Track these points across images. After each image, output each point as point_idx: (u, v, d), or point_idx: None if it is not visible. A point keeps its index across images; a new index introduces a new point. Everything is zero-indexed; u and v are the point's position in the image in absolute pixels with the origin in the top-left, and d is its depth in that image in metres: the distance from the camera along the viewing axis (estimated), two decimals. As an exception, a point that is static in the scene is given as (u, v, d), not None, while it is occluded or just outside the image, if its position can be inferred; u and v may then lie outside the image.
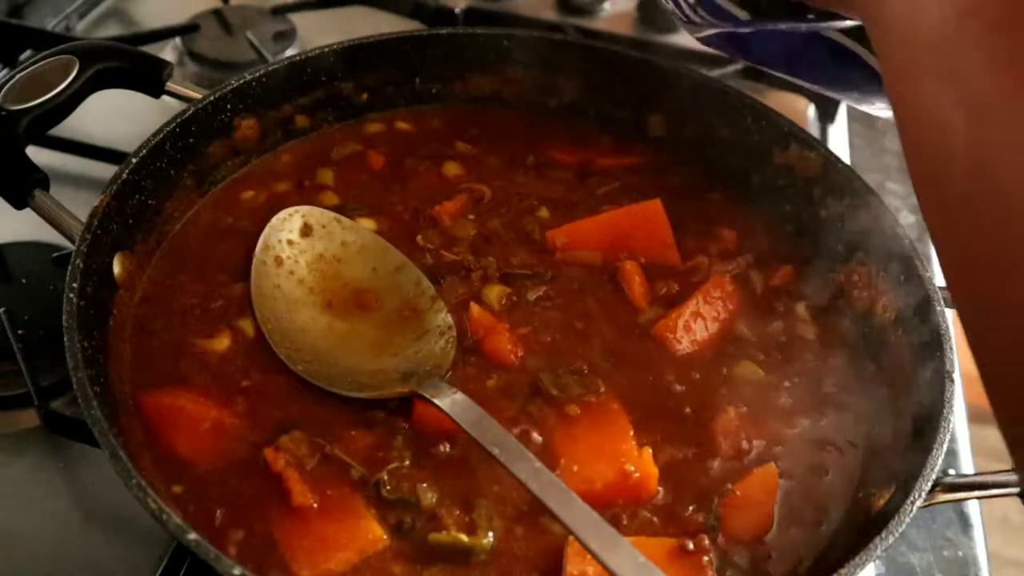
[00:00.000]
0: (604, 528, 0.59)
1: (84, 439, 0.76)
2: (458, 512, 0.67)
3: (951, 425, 0.68)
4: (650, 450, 0.70)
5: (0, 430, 0.80)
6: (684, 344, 0.78)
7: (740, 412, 0.75)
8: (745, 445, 0.73)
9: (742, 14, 0.71)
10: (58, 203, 0.75)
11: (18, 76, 0.78)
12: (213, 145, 0.86)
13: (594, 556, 0.58)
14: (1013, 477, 0.69)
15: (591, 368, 0.76)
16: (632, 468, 0.69)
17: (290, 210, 0.83)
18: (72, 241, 0.72)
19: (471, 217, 0.87)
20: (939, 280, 0.83)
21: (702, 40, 0.80)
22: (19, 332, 0.80)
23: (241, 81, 0.86)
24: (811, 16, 0.69)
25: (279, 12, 1.22)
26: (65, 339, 0.65)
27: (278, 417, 0.71)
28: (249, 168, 0.90)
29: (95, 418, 0.61)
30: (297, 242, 0.81)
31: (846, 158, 1.08)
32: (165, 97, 0.85)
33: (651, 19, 1.27)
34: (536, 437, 0.70)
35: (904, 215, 1.13)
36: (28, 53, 1.11)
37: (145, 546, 0.73)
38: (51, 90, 0.77)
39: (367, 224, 0.84)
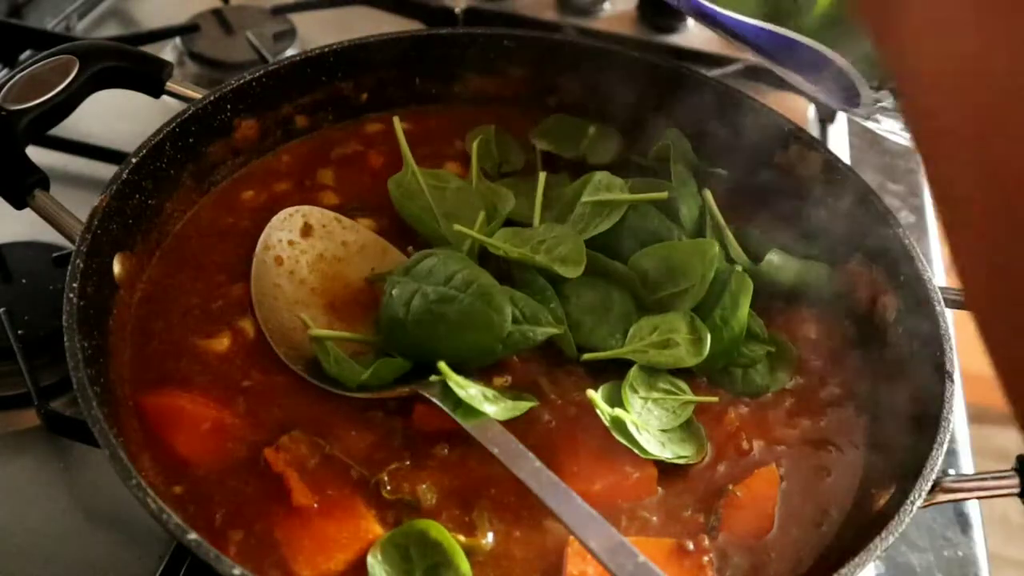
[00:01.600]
0: (604, 528, 0.59)
1: (84, 439, 0.76)
2: (457, 512, 0.67)
3: (951, 425, 0.68)
4: (650, 450, 0.70)
5: (0, 430, 0.80)
6: (684, 344, 0.78)
7: (740, 412, 0.75)
8: (746, 445, 0.73)
9: None
10: (58, 203, 0.75)
11: (18, 76, 0.78)
12: (213, 145, 0.86)
13: (594, 556, 0.59)
14: (1013, 478, 0.69)
15: (590, 369, 0.75)
16: (632, 468, 0.69)
17: (290, 210, 0.83)
18: (72, 241, 0.72)
19: (471, 217, 0.87)
20: (939, 280, 0.83)
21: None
22: (19, 332, 0.80)
23: (241, 81, 0.86)
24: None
25: (279, 12, 1.22)
26: (65, 339, 0.65)
27: (278, 417, 0.71)
28: (249, 168, 0.90)
29: (95, 418, 0.61)
30: (297, 242, 0.81)
31: (846, 158, 1.08)
32: (165, 97, 0.85)
33: (651, 19, 1.27)
34: (535, 437, 0.70)
35: (904, 215, 1.13)
36: (28, 53, 1.10)
37: (145, 546, 0.73)
38: (51, 90, 0.77)
39: (367, 224, 0.84)
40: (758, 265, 0.80)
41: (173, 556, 0.70)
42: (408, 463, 0.69)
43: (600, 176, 0.81)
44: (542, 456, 0.64)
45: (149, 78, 0.84)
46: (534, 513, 0.67)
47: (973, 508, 0.86)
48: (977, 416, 0.98)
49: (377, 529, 0.65)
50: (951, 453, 0.90)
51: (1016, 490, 0.68)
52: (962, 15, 0.36)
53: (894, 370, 0.77)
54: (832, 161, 0.86)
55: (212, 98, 0.84)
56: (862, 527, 0.67)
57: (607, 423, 0.69)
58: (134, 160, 0.77)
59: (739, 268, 0.77)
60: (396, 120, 0.87)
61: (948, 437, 0.67)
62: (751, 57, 0.85)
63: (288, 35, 1.19)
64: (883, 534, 0.62)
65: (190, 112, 0.83)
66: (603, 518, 0.60)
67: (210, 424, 0.70)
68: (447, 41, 0.96)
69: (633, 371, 0.73)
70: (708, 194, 0.84)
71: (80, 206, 0.75)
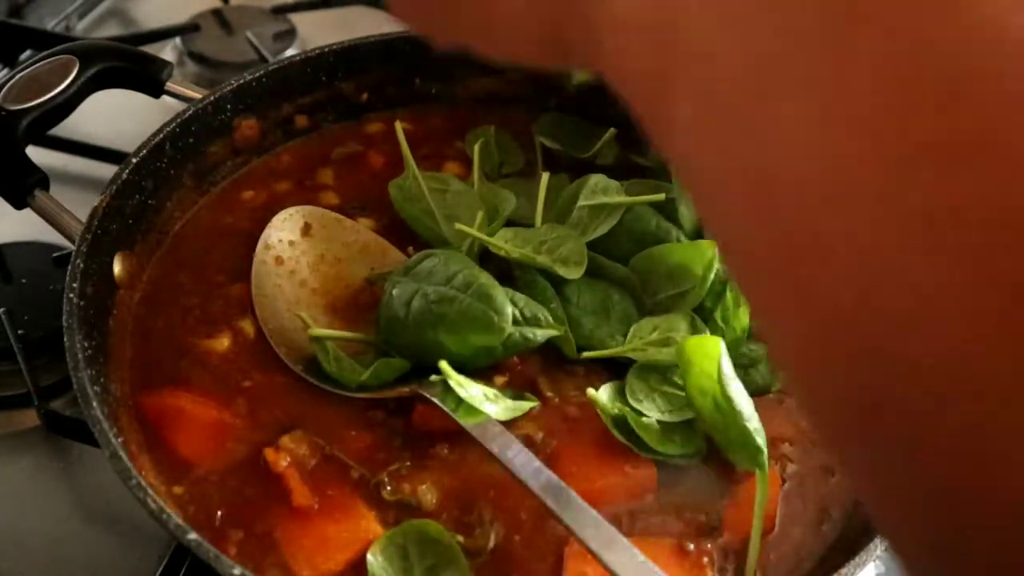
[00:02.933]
0: (604, 528, 0.59)
1: (84, 439, 0.76)
2: (457, 513, 0.67)
3: (952, 425, 0.68)
4: (650, 450, 0.70)
5: (0, 430, 0.80)
6: (684, 344, 0.78)
7: (740, 412, 0.75)
8: (746, 445, 0.73)
9: None
10: (58, 203, 0.75)
11: (18, 76, 0.78)
12: (213, 145, 0.86)
13: (594, 556, 0.58)
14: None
15: (590, 370, 0.75)
16: (632, 468, 0.69)
17: (291, 210, 0.83)
18: (72, 241, 0.72)
19: (471, 217, 0.87)
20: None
21: None
22: (19, 332, 0.80)
23: (241, 81, 0.86)
24: None
25: (279, 12, 1.22)
26: (65, 339, 0.65)
27: (279, 417, 0.71)
28: (249, 168, 0.90)
29: (95, 418, 0.61)
30: (298, 242, 0.81)
31: (846, 158, 1.08)
32: (165, 97, 0.85)
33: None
34: (536, 437, 0.70)
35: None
36: (28, 53, 1.10)
37: (145, 546, 0.73)
38: (51, 90, 0.77)
39: (367, 224, 0.84)
40: (758, 265, 0.80)
41: (173, 556, 0.70)
42: (408, 463, 0.69)
43: (596, 179, 0.81)
44: (542, 456, 0.64)
45: (149, 78, 0.84)
46: (534, 513, 0.67)
47: (973, 508, 0.85)
48: (977, 416, 0.98)
49: (377, 529, 0.65)
50: (951, 453, 0.90)
51: (1016, 490, 0.68)
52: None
53: (894, 370, 0.77)
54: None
55: (212, 98, 0.84)
56: (863, 527, 0.67)
57: (607, 423, 0.69)
58: (134, 160, 0.77)
59: (739, 268, 0.77)
60: (398, 124, 0.87)
61: (948, 437, 0.67)
62: None
63: (288, 35, 1.19)
64: (883, 534, 0.62)
65: (190, 112, 0.83)
66: (603, 518, 0.60)
67: (210, 424, 0.70)
68: (447, 41, 0.95)
69: (633, 370, 0.73)
70: (708, 194, 0.84)
71: (80, 206, 0.75)
